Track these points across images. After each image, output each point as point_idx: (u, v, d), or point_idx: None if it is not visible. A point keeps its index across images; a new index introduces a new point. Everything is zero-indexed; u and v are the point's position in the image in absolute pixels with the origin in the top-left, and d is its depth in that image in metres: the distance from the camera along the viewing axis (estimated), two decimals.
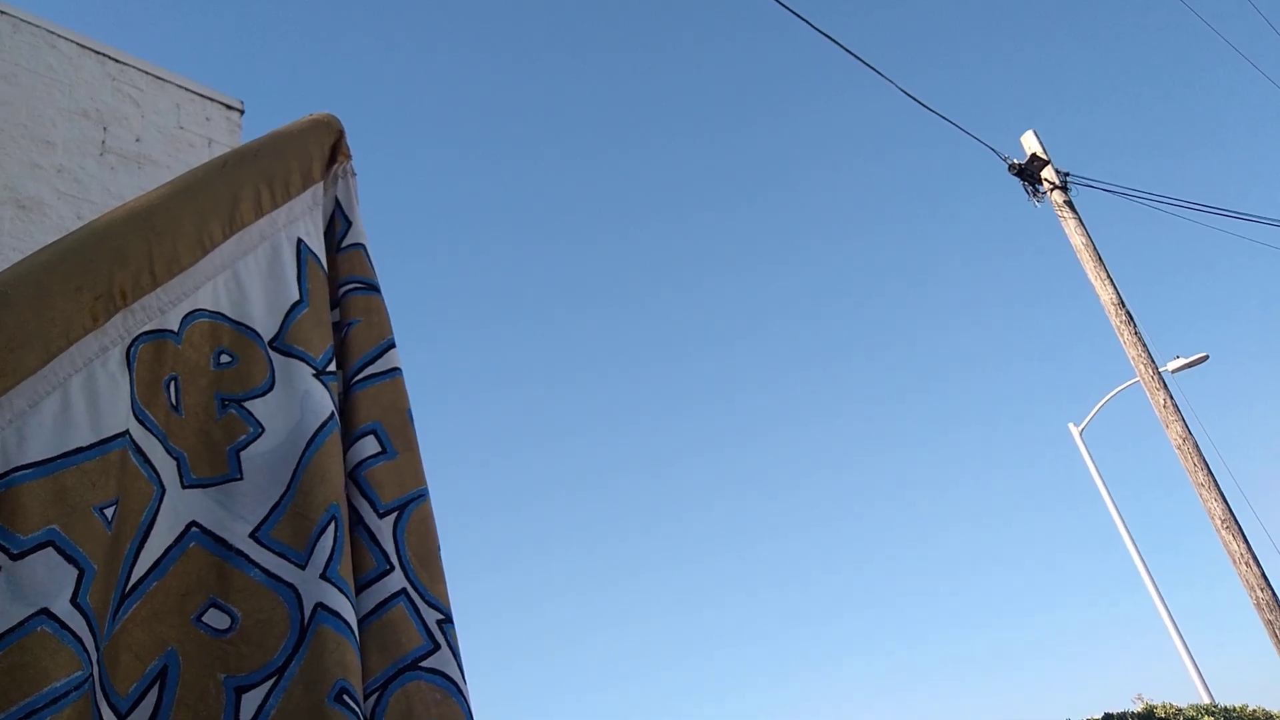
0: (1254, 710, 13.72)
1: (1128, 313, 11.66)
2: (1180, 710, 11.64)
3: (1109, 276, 11.82)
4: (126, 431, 1.24)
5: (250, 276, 1.49)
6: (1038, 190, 12.48)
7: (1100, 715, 10.71)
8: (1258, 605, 10.26)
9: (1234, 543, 10.48)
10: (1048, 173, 12.38)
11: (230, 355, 1.43)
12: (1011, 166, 12.36)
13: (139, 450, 1.26)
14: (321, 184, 1.66)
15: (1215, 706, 12.73)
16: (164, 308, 1.36)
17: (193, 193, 1.48)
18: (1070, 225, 12.17)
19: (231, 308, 1.45)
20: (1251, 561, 10.37)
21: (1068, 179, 12.36)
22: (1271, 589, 10.25)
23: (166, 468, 1.30)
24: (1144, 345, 11.49)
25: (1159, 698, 12.10)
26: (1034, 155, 12.38)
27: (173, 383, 1.35)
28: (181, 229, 1.41)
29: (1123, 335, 11.64)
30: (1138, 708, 11.43)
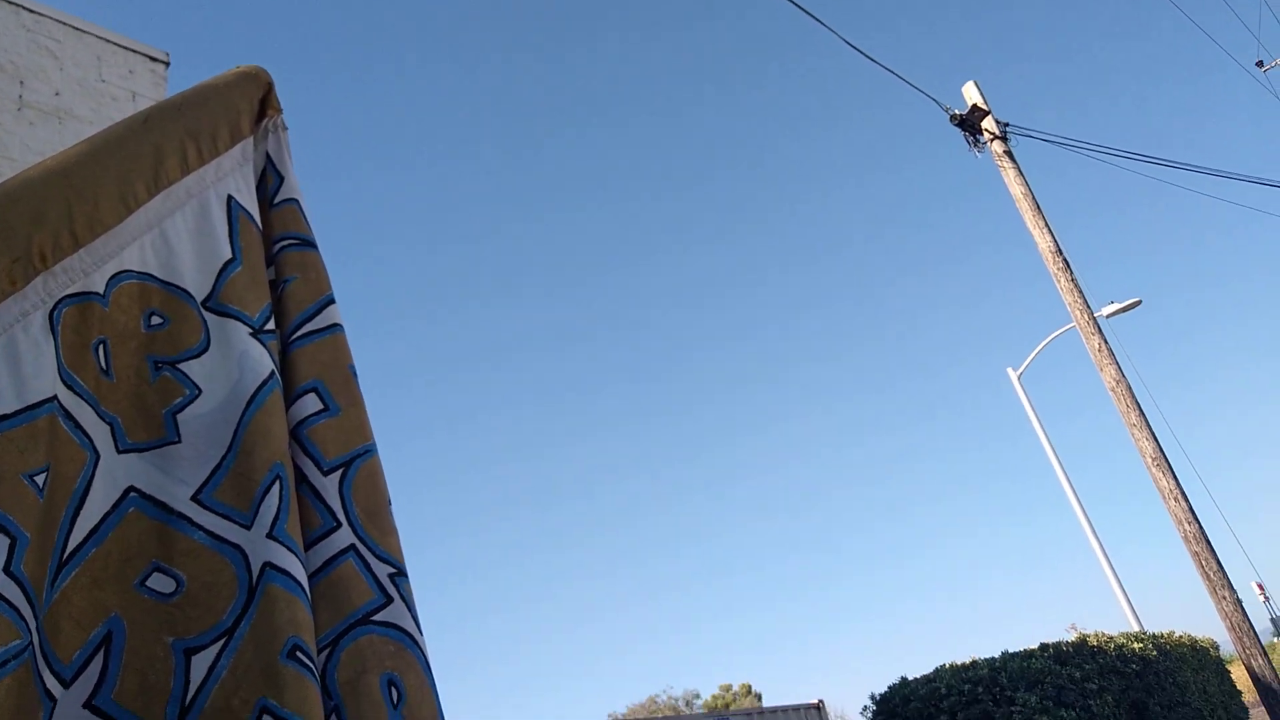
0: (1180, 636, 14.45)
1: (1064, 260, 11.93)
2: (1111, 638, 12.19)
3: (1047, 225, 12.06)
4: (54, 397, 1.21)
5: (179, 235, 1.44)
6: (978, 141, 12.63)
7: (1036, 645, 11.18)
8: (1185, 538, 10.73)
9: (1163, 479, 10.92)
10: (988, 123, 12.52)
11: (161, 316, 1.39)
12: (953, 117, 12.46)
13: (69, 416, 1.23)
14: (251, 139, 1.61)
15: (1144, 634, 13.36)
16: (88, 269, 1.32)
17: (114, 149, 1.42)
18: (1010, 175, 12.35)
19: (160, 268, 1.41)
20: (1180, 497, 10.82)
21: (1007, 129, 12.51)
22: (1198, 522, 10.72)
23: (99, 433, 1.27)
24: (1080, 291, 11.79)
25: (1092, 628, 12.68)
26: (975, 106, 12.50)
27: (101, 346, 1.31)
28: (103, 187, 1.36)
29: (1059, 282, 11.92)
30: (1072, 637, 11.94)
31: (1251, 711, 16.00)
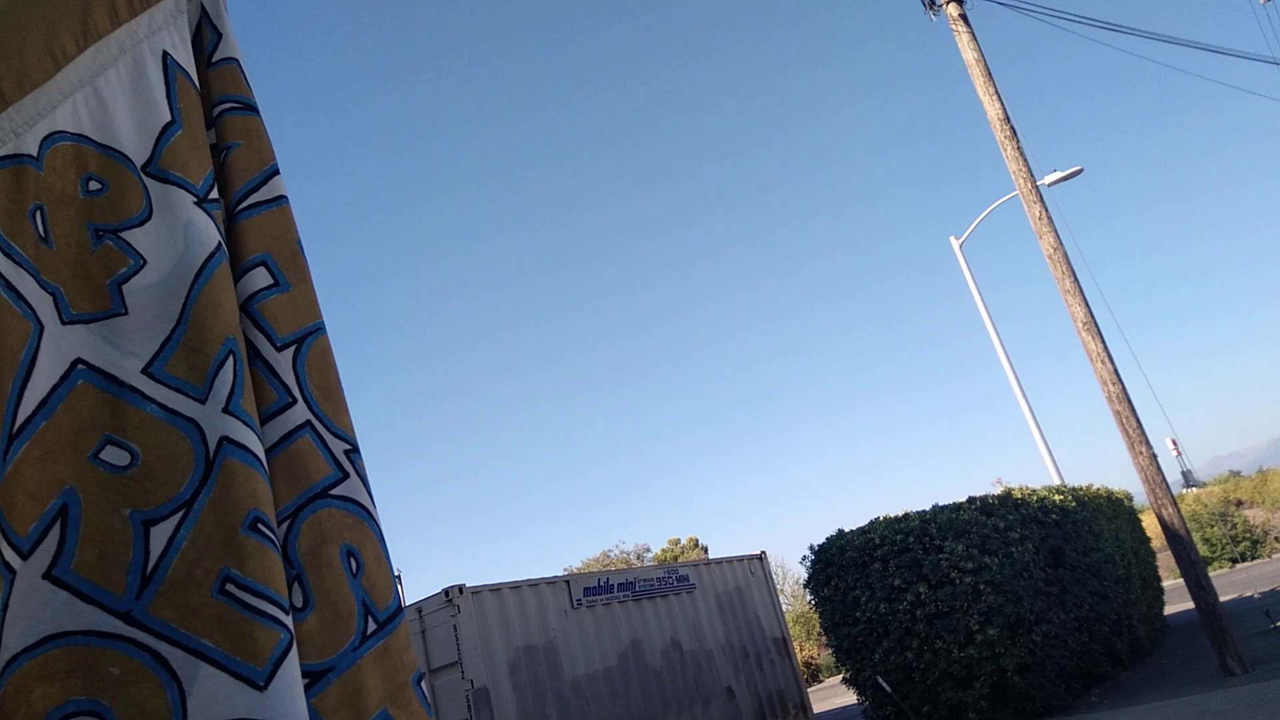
0: (1097, 489, 15.37)
1: (1012, 128, 11.92)
2: (1034, 491, 12.92)
3: (996, 92, 11.96)
4: None
5: (113, 94, 1.35)
6: (934, 3, 12.32)
7: (965, 498, 11.81)
8: (1109, 398, 11.25)
9: (1092, 343, 11.33)
10: None
11: (100, 181, 1.32)
12: None
13: (9, 285, 1.18)
14: None
15: (1064, 487, 14.18)
16: (18, 129, 1.24)
17: (35, 1, 1.32)
18: (963, 40, 12.13)
19: (95, 129, 1.33)
20: (1106, 359, 11.27)
21: None
22: (1121, 383, 11.22)
23: (42, 303, 1.23)
24: (1024, 160, 11.84)
25: (1017, 482, 13.40)
26: None
27: (38, 212, 1.25)
28: (27, 41, 1.27)
29: (1006, 150, 11.94)
30: (997, 490, 12.64)
31: (1159, 555, 17.27)
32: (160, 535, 1.18)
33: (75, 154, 1.31)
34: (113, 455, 1.21)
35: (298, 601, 1.25)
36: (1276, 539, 29.30)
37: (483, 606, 11.52)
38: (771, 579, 17.10)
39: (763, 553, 16.96)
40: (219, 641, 1.14)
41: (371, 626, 1.30)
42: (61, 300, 1.25)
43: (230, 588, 1.16)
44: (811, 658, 29.19)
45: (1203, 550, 26.41)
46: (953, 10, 12.17)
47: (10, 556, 1.13)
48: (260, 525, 1.20)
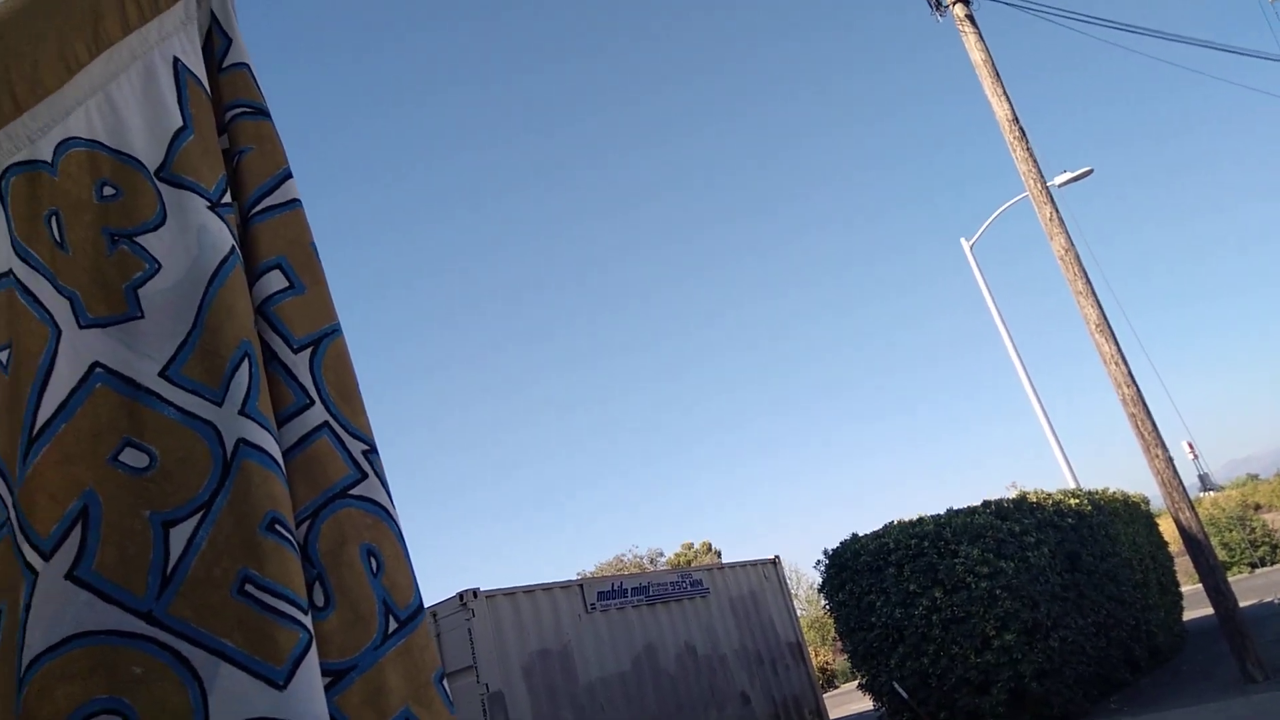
0: (1113, 493, 15.26)
1: (1020, 129, 11.88)
2: (1049, 495, 12.84)
3: (1005, 92, 11.94)
4: (10, 271, 1.18)
5: (125, 100, 1.37)
6: (940, 4, 12.31)
7: (979, 502, 11.75)
8: (1123, 400, 11.18)
9: (1105, 344, 11.27)
10: None
11: (114, 187, 1.33)
12: None
13: (27, 290, 1.20)
14: None
15: (1080, 490, 14.09)
16: (33, 136, 1.26)
17: (47, 7, 1.33)
18: (970, 40, 12.11)
19: (109, 135, 1.35)
20: (1120, 361, 11.21)
21: None
22: (1136, 385, 11.15)
23: (59, 308, 1.24)
24: (1034, 160, 11.80)
25: (1031, 486, 13.34)
26: None
27: (54, 217, 1.27)
28: (40, 48, 1.28)
29: (1015, 151, 11.90)
30: (1012, 494, 12.56)
31: (1176, 560, 17.13)
32: (179, 536, 1.19)
33: (89, 159, 1.32)
34: (131, 457, 1.22)
35: (319, 601, 1.25)
36: None
37: (497, 611, 11.54)
38: (785, 584, 17.05)
39: (776, 557, 16.91)
40: (238, 641, 1.14)
41: (393, 625, 1.30)
42: (79, 304, 1.26)
43: (249, 588, 1.17)
44: (827, 663, 29.04)
45: (1221, 555, 26.18)
46: (959, 11, 12.16)
47: (32, 558, 1.14)
48: (278, 526, 1.20)
